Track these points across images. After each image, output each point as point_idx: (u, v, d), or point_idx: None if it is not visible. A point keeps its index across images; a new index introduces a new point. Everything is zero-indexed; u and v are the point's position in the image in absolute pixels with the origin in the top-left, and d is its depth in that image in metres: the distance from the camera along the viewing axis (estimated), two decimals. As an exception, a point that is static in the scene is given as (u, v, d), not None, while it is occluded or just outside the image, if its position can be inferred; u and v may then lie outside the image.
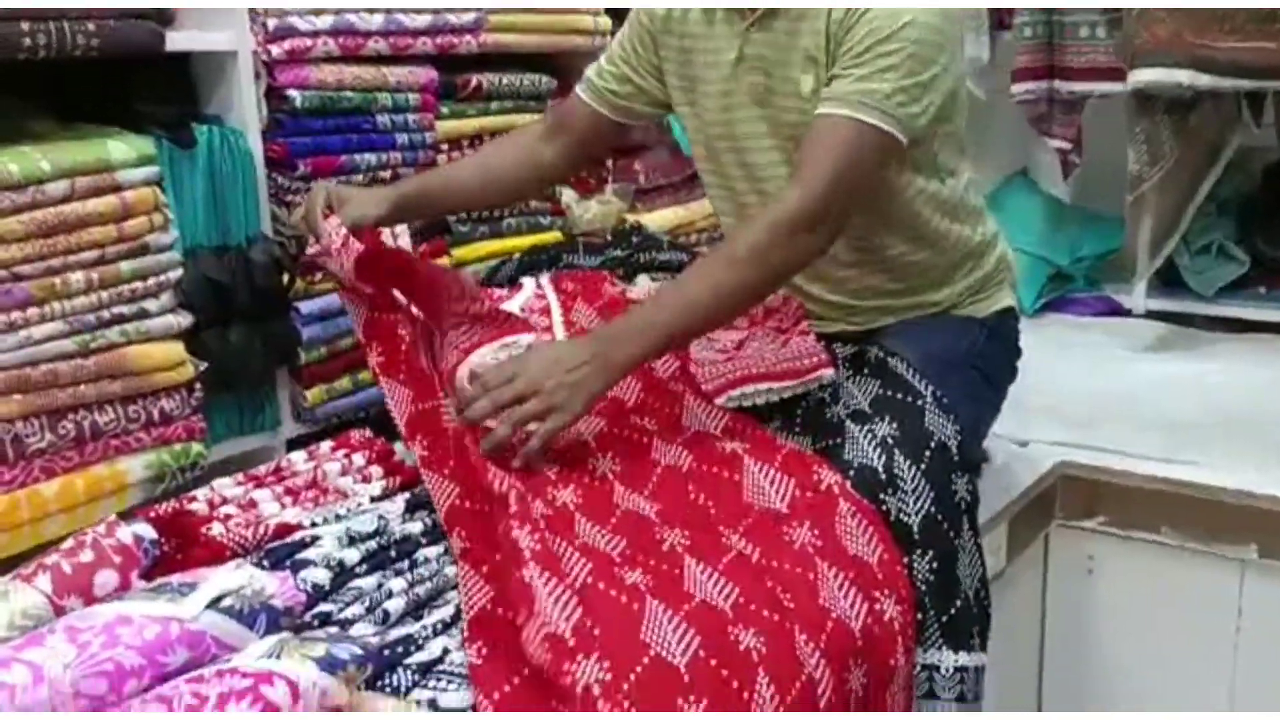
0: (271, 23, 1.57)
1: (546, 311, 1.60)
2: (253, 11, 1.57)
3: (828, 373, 1.42)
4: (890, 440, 1.30)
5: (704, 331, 1.41)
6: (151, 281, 1.42)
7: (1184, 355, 2.34)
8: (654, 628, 1.02)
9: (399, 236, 1.65)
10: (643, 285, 1.74)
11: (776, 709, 1.01)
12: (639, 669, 0.97)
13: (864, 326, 1.58)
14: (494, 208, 1.90)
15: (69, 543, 1.08)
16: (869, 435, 1.31)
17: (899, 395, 1.37)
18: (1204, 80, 2.12)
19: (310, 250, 1.45)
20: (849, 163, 1.33)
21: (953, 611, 1.23)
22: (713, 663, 1.00)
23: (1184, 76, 2.14)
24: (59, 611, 1.01)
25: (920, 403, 1.35)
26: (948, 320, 1.57)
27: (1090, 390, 2.13)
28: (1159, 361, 2.30)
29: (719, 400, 1.39)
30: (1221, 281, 2.51)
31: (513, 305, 1.60)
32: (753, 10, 1.44)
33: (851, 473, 1.28)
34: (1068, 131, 2.43)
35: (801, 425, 1.40)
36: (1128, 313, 2.58)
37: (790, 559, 1.16)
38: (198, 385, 1.48)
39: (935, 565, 1.25)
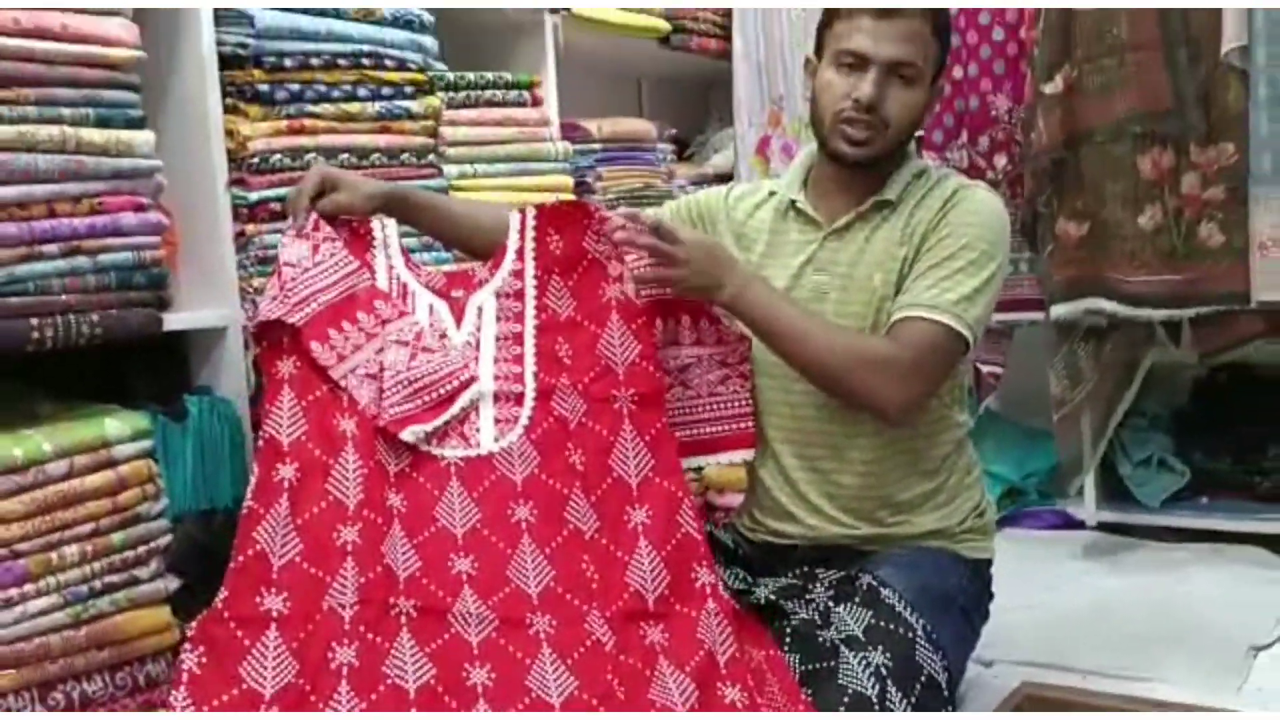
0: (260, 299, 1.70)
1: (520, 295, 1.61)
2: (242, 289, 1.71)
3: (748, 454, 1.62)
4: (884, 670, 1.37)
5: (777, 345, 1.55)
6: (141, 549, 1.47)
7: (1137, 568, 2.41)
8: None
9: (387, 226, 1.65)
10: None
11: None
12: None
13: (857, 533, 1.65)
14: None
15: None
16: (863, 663, 1.38)
17: (891, 626, 1.44)
18: (1124, 310, 2.30)
19: (285, 233, 1.57)
20: (931, 360, 1.53)
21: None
22: None
23: (1106, 305, 2.32)
24: None
25: (911, 635, 1.43)
26: (937, 555, 1.64)
27: (1049, 606, 2.19)
28: (1112, 575, 2.38)
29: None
30: (1165, 493, 2.62)
31: (489, 288, 1.62)
32: (833, 219, 1.64)
33: (846, 698, 1.35)
34: (997, 357, 2.60)
35: (792, 643, 1.46)
36: (1081, 525, 2.67)
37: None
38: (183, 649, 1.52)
39: (924, 795, 1.29)
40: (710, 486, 2.57)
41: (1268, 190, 2.12)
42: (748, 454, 1.63)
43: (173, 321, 1.60)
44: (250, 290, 1.71)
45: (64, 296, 1.45)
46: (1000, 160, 2.55)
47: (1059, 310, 2.35)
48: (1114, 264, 2.30)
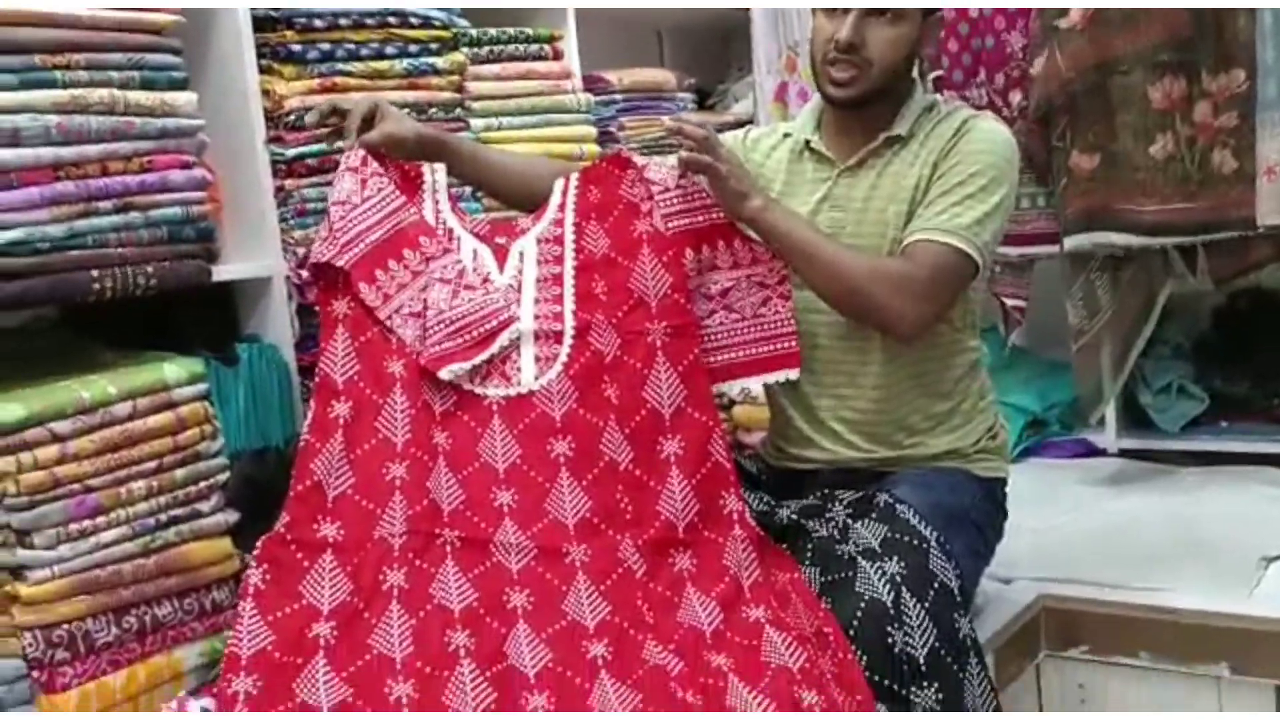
0: (301, 250, 1.79)
1: (560, 240, 1.68)
2: (284, 241, 1.80)
3: (793, 374, 1.63)
4: (899, 578, 1.45)
5: (798, 263, 1.61)
6: (202, 485, 1.58)
7: (1155, 490, 2.48)
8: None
9: (436, 172, 1.71)
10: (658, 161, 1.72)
11: None
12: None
13: (874, 455, 1.73)
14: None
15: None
16: (879, 572, 1.46)
17: (906, 538, 1.52)
18: (1135, 241, 2.35)
19: (344, 159, 1.63)
20: (944, 280, 1.61)
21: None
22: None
23: (1117, 238, 2.37)
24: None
25: (925, 546, 1.51)
26: (951, 474, 1.72)
27: (1069, 528, 2.26)
28: (1132, 497, 2.44)
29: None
30: (1184, 419, 2.67)
31: (531, 235, 1.69)
32: (846, 157, 1.72)
33: (863, 604, 1.43)
34: (1020, 290, 2.65)
35: (813, 557, 1.55)
36: (1103, 452, 2.73)
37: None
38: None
39: (941, 697, 1.39)
40: (739, 426, 2.64)
41: (1274, 116, 2.14)
42: (792, 373, 1.65)
43: (220, 273, 1.69)
44: (291, 242, 1.80)
45: (120, 249, 1.54)
46: (1015, 97, 2.59)
47: (1072, 242, 2.40)
48: (1126, 194, 2.34)
